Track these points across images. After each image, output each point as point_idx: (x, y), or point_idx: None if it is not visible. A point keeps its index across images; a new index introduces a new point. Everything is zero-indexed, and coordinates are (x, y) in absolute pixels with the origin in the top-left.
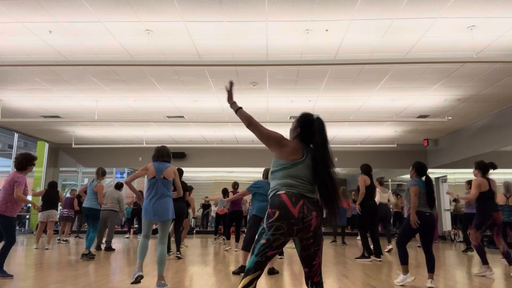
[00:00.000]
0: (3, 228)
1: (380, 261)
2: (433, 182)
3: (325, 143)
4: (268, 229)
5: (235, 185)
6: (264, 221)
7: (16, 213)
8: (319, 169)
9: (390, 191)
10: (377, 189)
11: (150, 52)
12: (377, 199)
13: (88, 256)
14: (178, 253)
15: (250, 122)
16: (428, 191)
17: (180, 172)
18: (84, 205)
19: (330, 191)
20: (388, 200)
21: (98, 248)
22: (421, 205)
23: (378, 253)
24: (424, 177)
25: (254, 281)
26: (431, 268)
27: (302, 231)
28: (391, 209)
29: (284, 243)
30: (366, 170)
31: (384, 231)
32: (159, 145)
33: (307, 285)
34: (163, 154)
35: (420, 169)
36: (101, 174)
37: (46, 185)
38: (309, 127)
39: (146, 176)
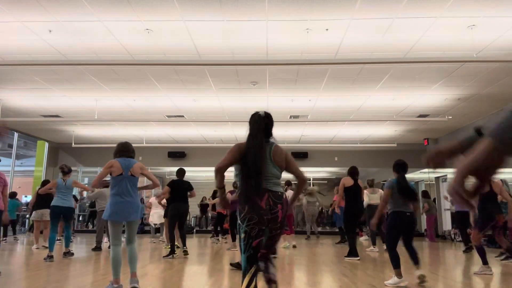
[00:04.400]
0: None
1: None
2: (405, 180)
3: (254, 135)
4: (242, 222)
5: (235, 184)
6: (238, 217)
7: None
8: (248, 156)
9: (381, 191)
10: (365, 191)
11: (150, 51)
12: (366, 201)
13: (70, 254)
14: (185, 247)
15: (216, 169)
16: (400, 189)
17: (182, 172)
18: (61, 204)
19: (249, 179)
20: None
21: (98, 248)
22: (400, 205)
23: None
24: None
25: (253, 278)
26: (417, 261)
27: (271, 221)
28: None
29: (260, 231)
30: (350, 172)
31: (378, 232)
32: (122, 141)
33: (259, 260)
34: (128, 150)
35: (394, 166)
36: (66, 171)
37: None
38: (249, 123)
39: (110, 173)
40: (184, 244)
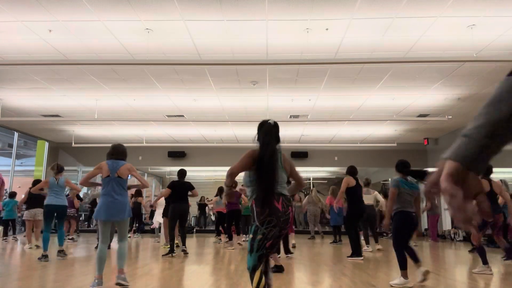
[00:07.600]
0: None
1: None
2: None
3: (268, 143)
4: (261, 224)
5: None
6: (256, 219)
7: None
8: (263, 163)
9: (376, 192)
10: (364, 190)
11: (150, 51)
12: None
13: (63, 253)
14: (184, 247)
15: (229, 173)
16: (411, 172)
17: (183, 173)
18: (55, 202)
19: (266, 184)
20: (378, 202)
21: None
22: (407, 205)
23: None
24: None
25: (263, 274)
26: (417, 259)
27: (283, 223)
28: (380, 210)
29: (275, 234)
30: (351, 171)
31: (370, 232)
32: (116, 143)
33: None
34: (118, 152)
35: (400, 167)
36: (58, 170)
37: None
38: (259, 131)
39: (101, 175)
40: (183, 244)
